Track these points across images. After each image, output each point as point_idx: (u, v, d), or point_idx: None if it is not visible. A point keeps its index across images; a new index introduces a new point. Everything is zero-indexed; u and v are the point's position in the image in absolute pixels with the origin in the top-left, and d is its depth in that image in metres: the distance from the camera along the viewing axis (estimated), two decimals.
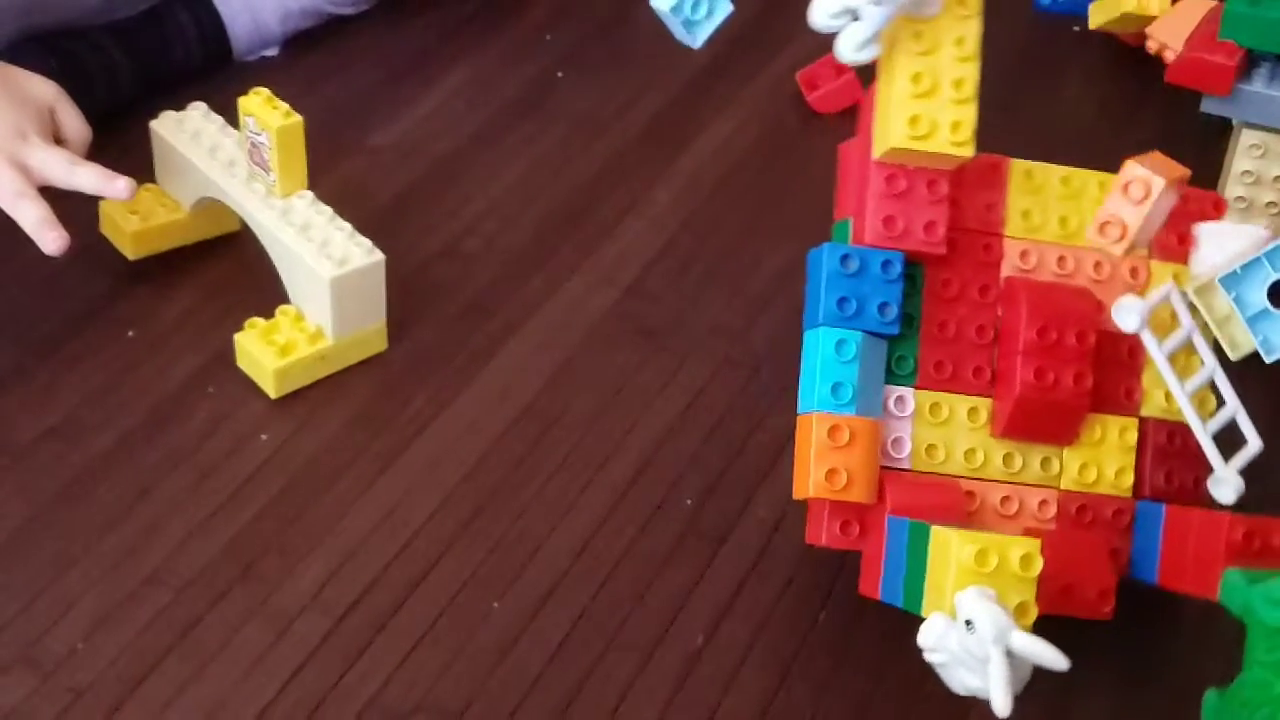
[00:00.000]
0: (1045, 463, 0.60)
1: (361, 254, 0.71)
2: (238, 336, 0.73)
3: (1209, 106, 0.78)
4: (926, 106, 0.56)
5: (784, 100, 0.93)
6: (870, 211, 0.58)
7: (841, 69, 0.91)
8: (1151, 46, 0.92)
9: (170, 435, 0.71)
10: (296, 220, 0.73)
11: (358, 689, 0.59)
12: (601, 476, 0.68)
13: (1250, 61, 0.77)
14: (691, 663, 0.60)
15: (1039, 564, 0.51)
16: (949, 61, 0.56)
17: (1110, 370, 0.60)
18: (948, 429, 0.60)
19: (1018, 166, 0.61)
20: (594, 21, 1.01)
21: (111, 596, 0.63)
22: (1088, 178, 0.61)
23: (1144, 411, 0.61)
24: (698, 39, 0.87)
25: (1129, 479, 0.60)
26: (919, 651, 0.55)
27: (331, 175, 0.86)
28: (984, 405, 0.60)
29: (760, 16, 1.00)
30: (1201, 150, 0.85)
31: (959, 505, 0.59)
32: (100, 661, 0.60)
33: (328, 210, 0.73)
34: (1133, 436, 0.60)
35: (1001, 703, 0.47)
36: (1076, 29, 0.99)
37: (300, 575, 0.64)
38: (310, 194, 0.74)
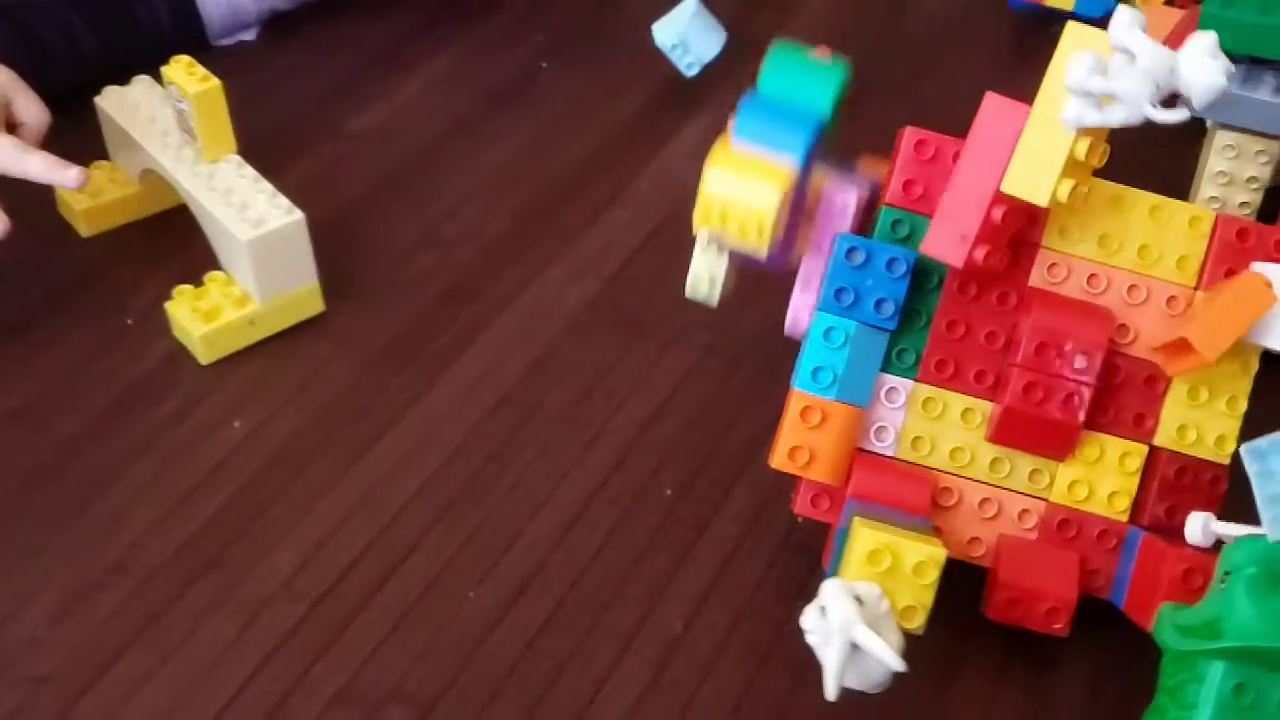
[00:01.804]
0: (1035, 474, 0.60)
1: (280, 214, 0.71)
2: (167, 305, 0.73)
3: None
4: (1078, 172, 0.56)
5: None
6: (977, 242, 0.57)
7: None
8: None
9: (139, 421, 0.69)
10: (220, 185, 0.73)
11: (328, 678, 0.58)
12: (580, 466, 0.68)
13: None
14: (670, 651, 0.60)
15: (933, 572, 0.54)
16: (1099, 136, 0.56)
17: (1122, 393, 0.59)
18: (939, 425, 0.60)
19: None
20: (578, 14, 1.01)
21: (75, 584, 0.62)
22: (1139, 199, 0.60)
23: (1157, 441, 0.60)
24: (691, 70, 0.88)
25: (1124, 503, 0.60)
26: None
27: (310, 160, 0.86)
28: (981, 408, 0.60)
29: (743, 14, 1.00)
30: (1176, 150, 0.86)
31: (923, 497, 0.59)
32: (62, 651, 0.59)
33: (252, 173, 0.73)
34: (1135, 462, 0.60)
35: (830, 688, 0.50)
36: (1056, 29, 1.00)
37: (271, 563, 0.63)
38: (237, 158, 0.74)
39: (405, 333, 0.75)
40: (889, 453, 0.60)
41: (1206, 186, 0.79)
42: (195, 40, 0.91)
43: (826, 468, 0.59)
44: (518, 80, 0.94)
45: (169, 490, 0.66)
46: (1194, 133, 0.84)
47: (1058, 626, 0.58)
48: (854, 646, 0.51)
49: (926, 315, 0.60)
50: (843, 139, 0.89)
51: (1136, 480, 0.60)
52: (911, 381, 0.60)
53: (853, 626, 0.50)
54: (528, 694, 0.58)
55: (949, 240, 0.57)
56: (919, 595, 0.54)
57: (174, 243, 0.78)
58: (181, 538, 0.64)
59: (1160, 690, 0.52)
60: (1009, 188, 0.56)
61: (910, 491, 0.59)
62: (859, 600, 0.51)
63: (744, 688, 0.58)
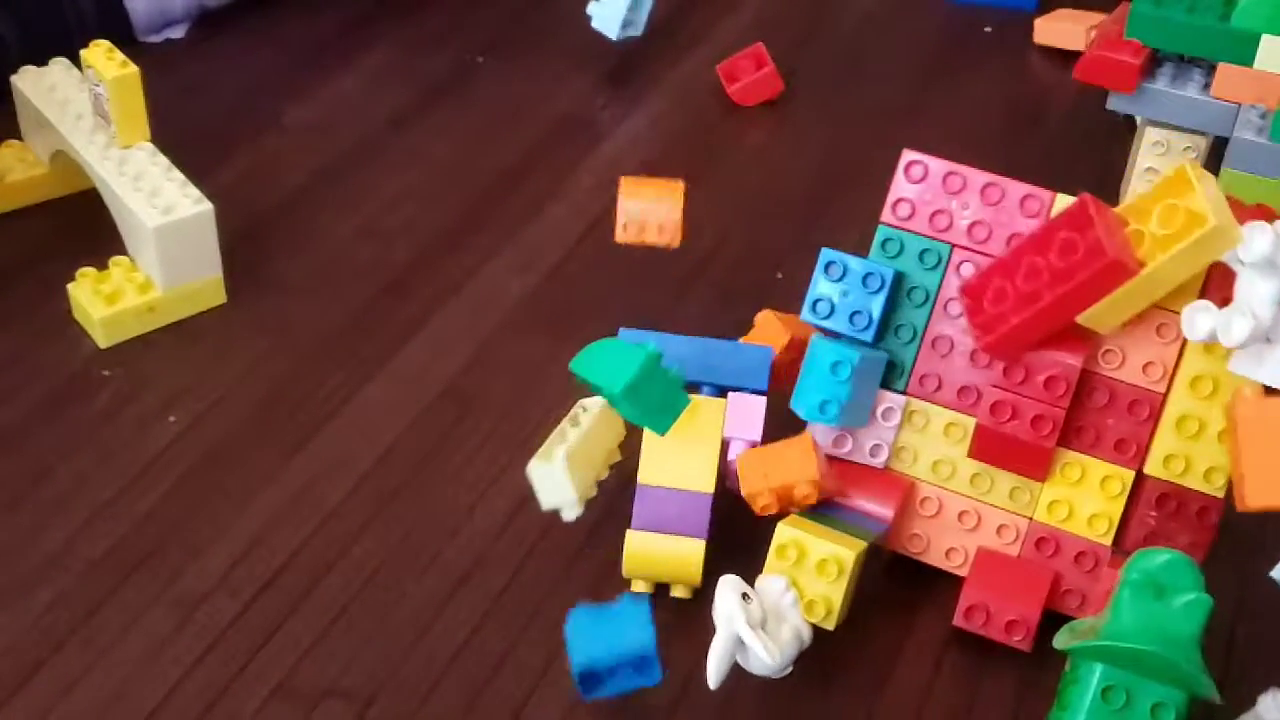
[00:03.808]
0: (1015, 491, 0.61)
1: (189, 204, 0.72)
2: (69, 286, 0.73)
3: (1114, 104, 0.80)
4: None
5: (704, 91, 0.93)
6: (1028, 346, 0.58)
7: (761, 63, 0.92)
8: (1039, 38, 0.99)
9: (73, 416, 0.69)
10: (131, 170, 0.73)
11: (265, 673, 0.58)
12: (520, 458, 0.67)
13: (1154, 60, 0.80)
14: None
15: (835, 570, 0.56)
16: None
17: (1104, 417, 0.59)
18: (922, 437, 0.61)
19: (1060, 201, 0.60)
20: (514, 8, 1.01)
21: (8, 580, 0.61)
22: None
23: (1146, 469, 0.60)
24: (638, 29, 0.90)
25: (1104, 525, 0.60)
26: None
27: (246, 153, 0.85)
28: (964, 423, 0.61)
29: (681, 8, 1.01)
30: (1107, 147, 0.87)
31: (890, 499, 0.60)
32: None
33: (164, 161, 0.74)
34: (1117, 486, 0.60)
35: (711, 675, 0.53)
36: (988, 29, 1.02)
37: (207, 559, 0.62)
38: (150, 145, 0.74)
39: (344, 326, 0.75)
40: (879, 465, 0.62)
41: (1136, 182, 0.81)
42: (121, 36, 0.90)
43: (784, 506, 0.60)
44: (455, 74, 0.93)
45: (104, 485, 0.65)
46: (1124, 130, 0.86)
47: (1018, 639, 0.59)
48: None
49: (913, 330, 0.61)
50: (781, 141, 0.91)
51: (1119, 504, 0.60)
52: (901, 396, 0.61)
53: (734, 621, 0.53)
54: (468, 686, 0.58)
55: (1012, 348, 0.58)
56: (824, 592, 0.56)
57: (113, 238, 0.77)
58: (117, 533, 0.63)
59: (1057, 694, 0.54)
60: (1086, 320, 0.57)
61: (880, 491, 0.60)
62: (745, 596, 0.54)
63: (686, 677, 0.58)
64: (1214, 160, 0.79)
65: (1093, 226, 0.55)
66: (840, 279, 0.60)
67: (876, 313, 0.60)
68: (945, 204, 0.61)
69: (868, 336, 0.60)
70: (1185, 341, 0.59)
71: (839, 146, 0.89)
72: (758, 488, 0.59)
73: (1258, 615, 0.61)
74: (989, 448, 0.60)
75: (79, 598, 0.60)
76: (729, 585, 0.54)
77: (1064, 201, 0.60)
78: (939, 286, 0.61)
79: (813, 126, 0.91)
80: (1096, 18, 0.97)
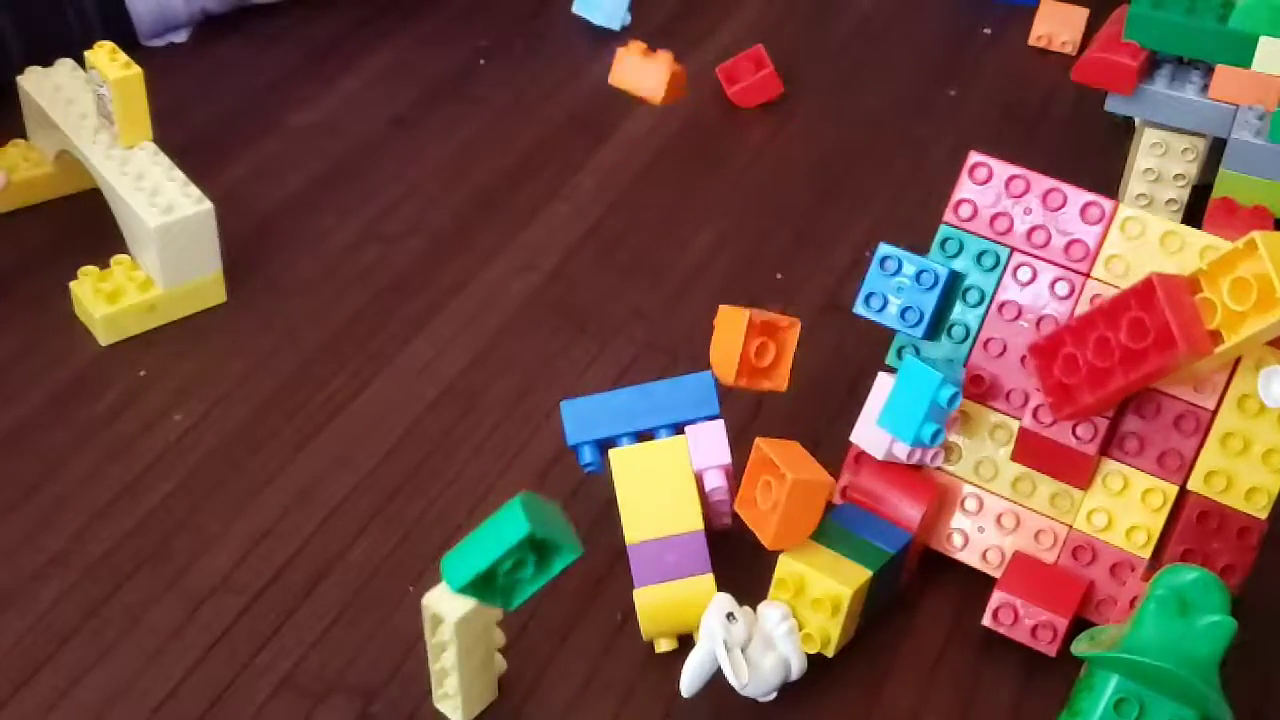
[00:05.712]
0: (1055, 498, 0.61)
1: (189, 203, 0.72)
2: (71, 285, 0.73)
3: (1113, 105, 0.80)
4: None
5: (704, 93, 0.94)
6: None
7: (761, 64, 0.92)
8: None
9: (78, 414, 0.69)
10: (132, 170, 0.74)
11: (269, 669, 0.58)
12: (521, 459, 0.68)
13: (1153, 62, 0.80)
14: (610, 640, 0.60)
15: (829, 608, 0.56)
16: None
17: (1152, 430, 0.59)
18: (968, 437, 0.62)
19: (1121, 211, 0.61)
20: (516, 10, 1.01)
21: (14, 577, 0.61)
22: (1190, 238, 0.59)
23: (1189, 485, 0.59)
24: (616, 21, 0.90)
25: (1143, 538, 0.60)
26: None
27: (251, 155, 0.86)
28: (1010, 426, 0.61)
29: (681, 9, 1.01)
30: (1106, 149, 0.88)
31: (921, 500, 0.60)
32: (2, 642, 0.59)
33: (166, 161, 0.74)
34: (1158, 499, 0.60)
35: (683, 684, 0.55)
36: (988, 30, 1.02)
37: (212, 555, 0.63)
38: (152, 145, 0.75)
39: (347, 326, 0.75)
40: (934, 467, 0.62)
41: (1135, 183, 0.81)
42: (124, 40, 0.91)
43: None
44: (457, 76, 0.94)
45: (110, 483, 0.66)
46: (1123, 131, 0.87)
47: (1044, 644, 0.59)
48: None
49: (966, 330, 0.62)
50: (781, 143, 0.91)
51: (1160, 518, 0.60)
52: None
53: (713, 639, 0.54)
54: None
55: (1086, 417, 0.58)
56: (821, 626, 0.57)
57: (119, 238, 0.78)
58: (123, 530, 0.64)
59: (1070, 698, 0.54)
60: (1162, 386, 0.58)
61: (908, 489, 0.61)
62: (731, 616, 0.55)
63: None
64: (1212, 161, 0.79)
65: (1160, 311, 0.54)
66: (895, 274, 0.60)
67: (929, 310, 0.60)
68: (1007, 207, 0.61)
69: (919, 333, 0.60)
70: (1239, 360, 0.58)
71: (838, 148, 0.90)
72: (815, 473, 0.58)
73: (1257, 619, 0.62)
74: (1031, 451, 0.60)
75: (84, 594, 0.61)
76: (717, 603, 0.55)
77: (1125, 212, 0.60)
78: (995, 288, 0.61)
79: (812, 128, 0.92)
80: (1069, 25, 0.98)
